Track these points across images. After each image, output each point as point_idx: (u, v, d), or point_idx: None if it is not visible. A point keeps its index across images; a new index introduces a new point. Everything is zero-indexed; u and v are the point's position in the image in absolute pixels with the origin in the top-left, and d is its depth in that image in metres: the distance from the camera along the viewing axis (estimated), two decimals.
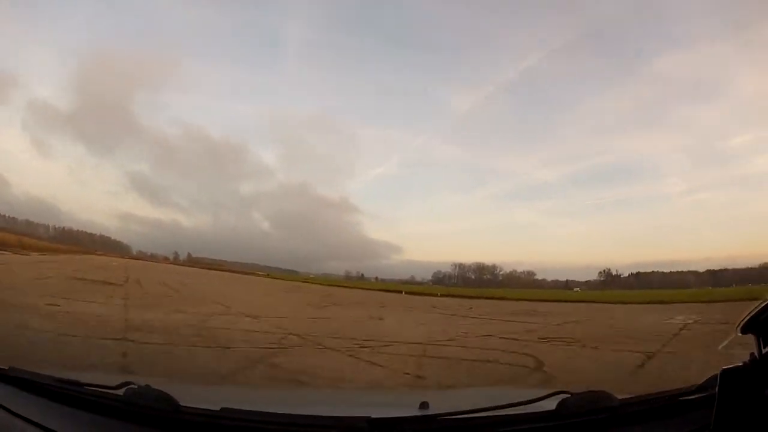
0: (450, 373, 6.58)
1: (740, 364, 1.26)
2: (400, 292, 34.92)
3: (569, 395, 1.33)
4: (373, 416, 1.27)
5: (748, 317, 1.32)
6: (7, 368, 1.74)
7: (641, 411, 1.33)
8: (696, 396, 1.29)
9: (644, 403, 1.36)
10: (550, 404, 1.31)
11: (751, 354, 1.29)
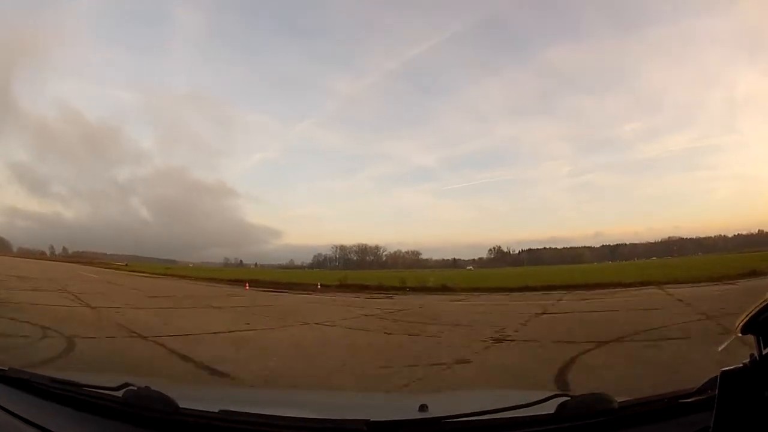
0: None
1: (740, 365, 1.26)
2: (244, 284, 22.24)
3: (569, 398, 1.33)
4: (372, 419, 1.27)
5: (747, 317, 1.31)
6: (6, 369, 1.74)
7: (641, 413, 1.33)
8: (696, 398, 1.29)
9: (644, 405, 1.36)
10: (550, 407, 1.31)
11: (751, 355, 1.28)
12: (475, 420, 1.32)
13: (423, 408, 1.50)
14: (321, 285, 22.75)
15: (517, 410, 1.32)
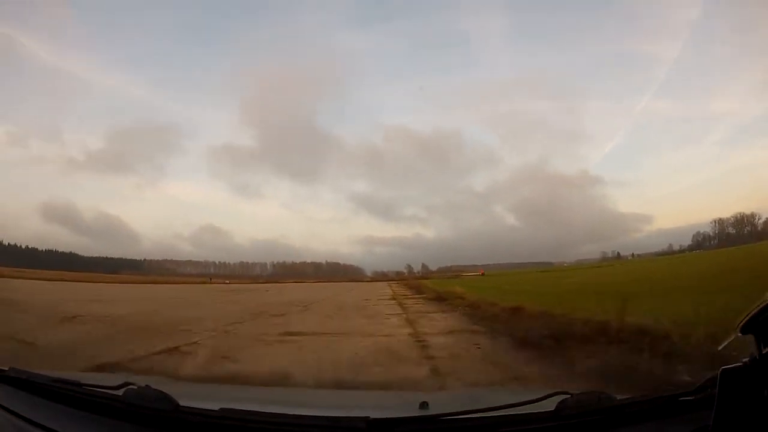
0: None
1: (740, 364, 1.26)
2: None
3: (569, 395, 1.34)
4: (372, 416, 1.28)
5: (747, 317, 1.32)
6: (7, 369, 1.74)
7: (640, 411, 1.33)
8: (695, 396, 1.29)
9: (643, 403, 1.36)
10: (550, 404, 1.31)
11: (751, 354, 1.29)
12: (475, 417, 1.32)
13: (423, 405, 1.50)
14: None
15: (517, 408, 1.32)
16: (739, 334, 1.36)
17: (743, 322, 1.34)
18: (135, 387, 1.47)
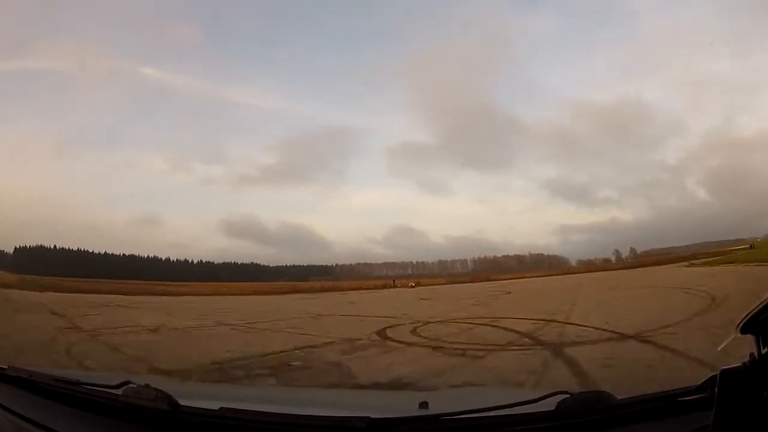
0: None
1: (739, 364, 1.26)
2: None
3: (568, 395, 1.33)
4: (372, 416, 1.28)
5: (747, 317, 1.32)
6: (6, 367, 1.74)
7: (640, 411, 1.33)
8: (695, 396, 1.29)
9: (643, 403, 1.36)
10: (550, 404, 1.31)
11: (751, 354, 1.29)
12: (475, 417, 1.32)
13: (423, 405, 1.50)
14: None
15: (517, 407, 1.32)
16: (739, 334, 1.36)
17: (743, 322, 1.34)
18: (134, 386, 1.47)
